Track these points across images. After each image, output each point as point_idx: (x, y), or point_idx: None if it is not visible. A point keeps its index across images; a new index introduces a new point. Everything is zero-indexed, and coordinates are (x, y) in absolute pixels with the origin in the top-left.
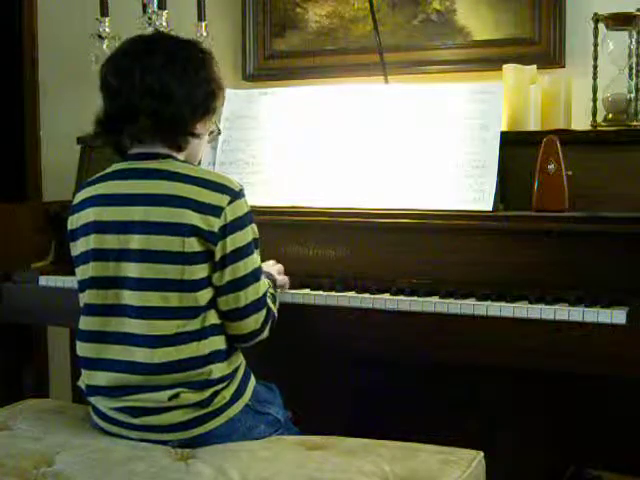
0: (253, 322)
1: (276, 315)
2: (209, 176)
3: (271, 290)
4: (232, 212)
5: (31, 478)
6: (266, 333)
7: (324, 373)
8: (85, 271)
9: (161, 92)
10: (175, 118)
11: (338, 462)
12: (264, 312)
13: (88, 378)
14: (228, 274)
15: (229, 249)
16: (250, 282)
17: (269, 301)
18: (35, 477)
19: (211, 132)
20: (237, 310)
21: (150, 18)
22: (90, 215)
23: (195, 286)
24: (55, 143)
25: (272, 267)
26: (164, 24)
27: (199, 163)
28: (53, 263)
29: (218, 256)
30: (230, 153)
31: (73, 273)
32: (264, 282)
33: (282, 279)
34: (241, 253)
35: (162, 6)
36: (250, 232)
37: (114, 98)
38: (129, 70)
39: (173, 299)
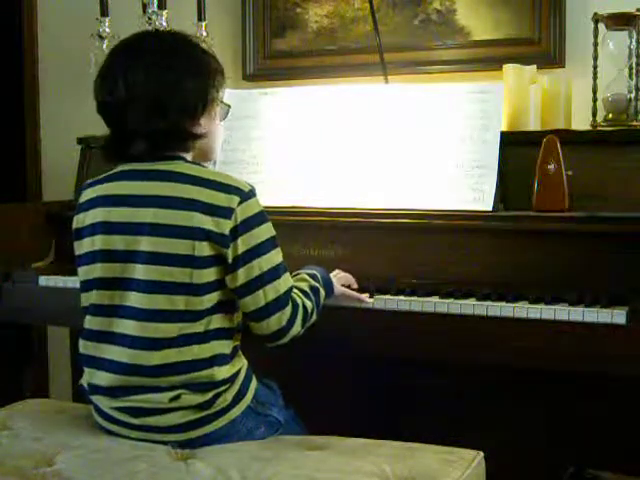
0: (276, 322)
1: (309, 310)
2: (218, 178)
3: (306, 285)
4: (243, 212)
5: (31, 478)
6: (297, 328)
7: (324, 373)
8: (89, 271)
9: (153, 105)
10: (172, 130)
11: (338, 462)
12: (288, 310)
13: (89, 376)
14: (242, 275)
15: (241, 250)
16: (267, 281)
17: (297, 297)
18: (35, 477)
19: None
20: (258, 311)
21: (150, 18)
22: (97, 215)
23: (202, 290)
24: (55, 143)
25: (336, 275)
26: (164, 24)
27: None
28: (53, 263)
29: (230, 258)
30: (230, 153)
31: (73, 273)
32: (285, 279)
33: (341, 290)
34: (254, 253)
35: (162, 6)
36: (265, 231)
37: (111, 121)
38: (113, 92)
39: (179, 302)
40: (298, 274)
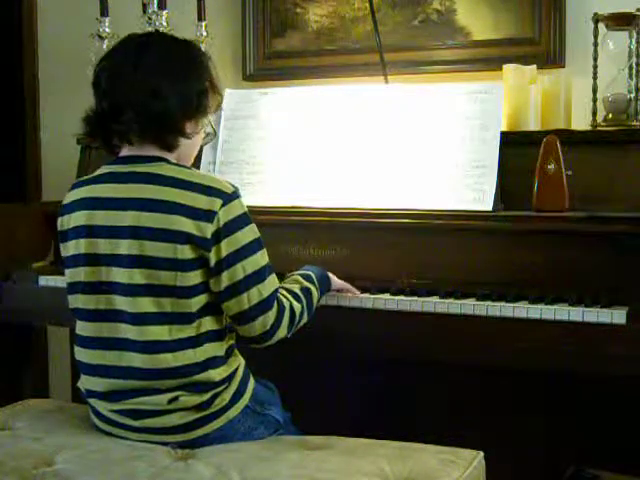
0: (260, 325)
1: (296, 312)
2: (201, 180)
3: (297, 287)
4: (225, 215)
5: (31, 478)
6: (282, 331)
7: (324, 373)
8: (75, 274)
9: (151, 88)
10: (163, 114)
11: (338, 462)
12: (272, 313)
13: (87, 382)
14: (226, 278)
15: (224, 253)
16: (251, 284)
17: (284, 299)
18: (35, 477)
19: (207, 135)
20: (242, 314)
21: (150, 18)
22: (80, 218)
23: (189, 292)
24: (55, 143)
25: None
26: (164, 24)
27: (193, 165)
28: (53, 263)
29: (213, 262)
30: (230, 153)
31: None
32: (270, 282)
33: (340, 284)
34: (238, 256)
35: (162, 6)
36: (249, 233)
37: (104, 96)
38: (120, 68)
39: (166, 304)
40: (292, 275)
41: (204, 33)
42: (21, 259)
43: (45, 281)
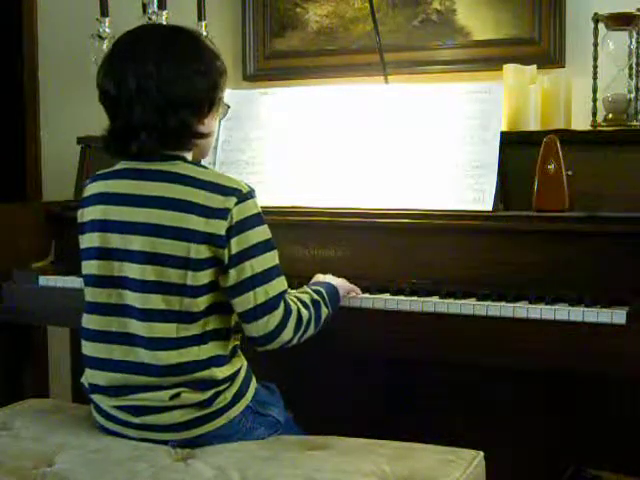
0: (264, 325)
1: (304, 318)
2: (217, 179)
3: (307, 297)
4: (239, 213)
5: (31, 478)
6: (287, 334)
7: (324, 373)
8: (88, 267)
9: (161, 100)
10: (180, 127)
11: (338, 462)
12: (278, 314)
13: (91, 377)
14: (234, 276)
15: (234, 251)
16: (257, 283)
17: (292, 304)
18: (35, 477)
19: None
20: (247, 312)
21: (150, 18)
22: (97, 212)
23: (197, 291)
24: (55, 143)
25: (332, 279)
26: (164, 24)
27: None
28: (53, 263)
29: (226, 259)
30: (230, 153)
31: (73, 273)
32: (278, 283)
33: (345, 288)
34: (246, 254)
35: (162, 6)
36: (260, 233)
37: (115, 113)
38: (123, 76)
39: (175, 302)
40: (302, 289)
41: (204, 33)
42: (21, 259)
43: (45, 281)
